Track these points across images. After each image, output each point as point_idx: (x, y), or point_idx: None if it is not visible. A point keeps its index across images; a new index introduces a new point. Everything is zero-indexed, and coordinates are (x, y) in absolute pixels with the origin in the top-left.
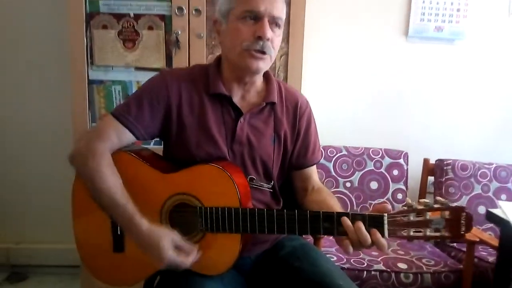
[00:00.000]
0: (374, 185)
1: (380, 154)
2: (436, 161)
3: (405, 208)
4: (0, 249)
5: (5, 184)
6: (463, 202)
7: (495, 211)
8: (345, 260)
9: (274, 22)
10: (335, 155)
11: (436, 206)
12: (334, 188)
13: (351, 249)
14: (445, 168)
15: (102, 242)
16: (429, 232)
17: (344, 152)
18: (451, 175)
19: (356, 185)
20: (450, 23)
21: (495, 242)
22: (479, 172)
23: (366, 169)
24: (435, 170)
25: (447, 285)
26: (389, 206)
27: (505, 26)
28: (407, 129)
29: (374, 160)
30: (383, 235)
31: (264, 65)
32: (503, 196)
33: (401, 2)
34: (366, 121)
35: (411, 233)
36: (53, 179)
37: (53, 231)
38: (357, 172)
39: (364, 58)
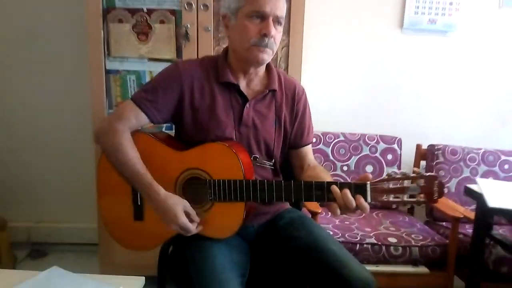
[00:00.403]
0: (369, 168)
1: (375, 140)
2: (428, 146)
3: (386, 177)
4: (22, 227)
5: (26, 167)
6: (452, 184)
7: (472, 186)
8: (340, 234)
9: (277, 20)
10: (333, 141)
11: (412, 175)
12: (332, 171)
13: (338, 212)
14: (436, 152)
15: (124, 211)
16: (406, 198)
17: (342, 138)
18: (441, 159)
19: (353, 168)
20: (443, 15)
21: None
22: (468, 157)
23: (362, 154)
24: (427, 154)
25: (433, 258)
26: (371, 176)
27: (496, 18)
28: (401, 116)
29: (369, 146)
30: (366, 200)
31: (268, 57)
32: (490, 179)
33: None
34: (363, 108)
35: (391, 199)
36: (72, 161)
37: (71, 211)
38: (353, 157)
39: (361, 49)
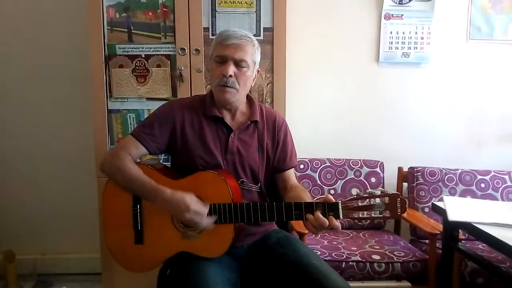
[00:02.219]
0: (354, 191)
1: (359, 164)
2: (408, 168)
3: (355, 196)
4: (28, 259)
5: (33, 201)
6: None
7: (438, 203)
8: (327, 254)
9: (237, 63)
10: (320, 166)
11: (377, 193)
12: (319, 195)
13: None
14: (415, 174)
15: (126, 236)
16: (373, 214)
17: (328, 164)
18: (421, 180)
19: (339, 192)
20: (415, 49)
21: None
22: (446, 177)
23: (347, 178)
24: (408, 176)
25: (414, 272)
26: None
27: (464, 50)
28: (382, 141)
29: (354, 170)
30: (338, 217)
31: (231, 96)
32: (469, 197)
33: (372, 34)
34: (346, 136)
35: (360, 215)
36: (76, 195)
37: (75, 242)
38: (339, 181)
39: (343, 82)
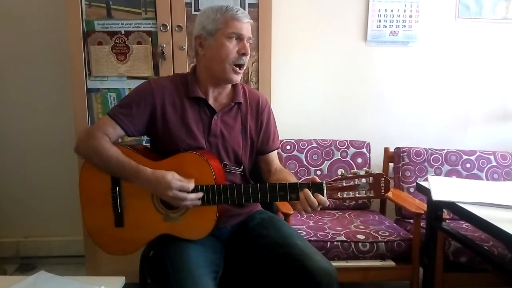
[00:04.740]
0: (340, 172)
1: (346, 145)
2: (394, 149)
3: (339, 176)
4: (10, 242)
5: (14, 183)
6: None
7: (422, 183)
8: (312, 234)
9: (248, 41)
10: (306, 147)
11: (361, 173)
12: (306, 176)
13: (304, 213)
14: (401, 154)
15: (105, 219)
16: (357, 194)
17: (314, 144)
18: (407, 160)
19: (326, 172)
20: (403, 28)
21: None
22: (432, 157)
23: (333, 158)
24: (394, 157)
25: (399, 252)
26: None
27: (453, 28)
28: (369, 122)
29: (340, 150)
30: None
31: (239, 78)
32: (454, 177)
33: (360, 12)
34: (333, 116)
35: (344, 195)
36: (58, 177)
37: (58, 224)
38: (326, 161)
39: (330, 62)
